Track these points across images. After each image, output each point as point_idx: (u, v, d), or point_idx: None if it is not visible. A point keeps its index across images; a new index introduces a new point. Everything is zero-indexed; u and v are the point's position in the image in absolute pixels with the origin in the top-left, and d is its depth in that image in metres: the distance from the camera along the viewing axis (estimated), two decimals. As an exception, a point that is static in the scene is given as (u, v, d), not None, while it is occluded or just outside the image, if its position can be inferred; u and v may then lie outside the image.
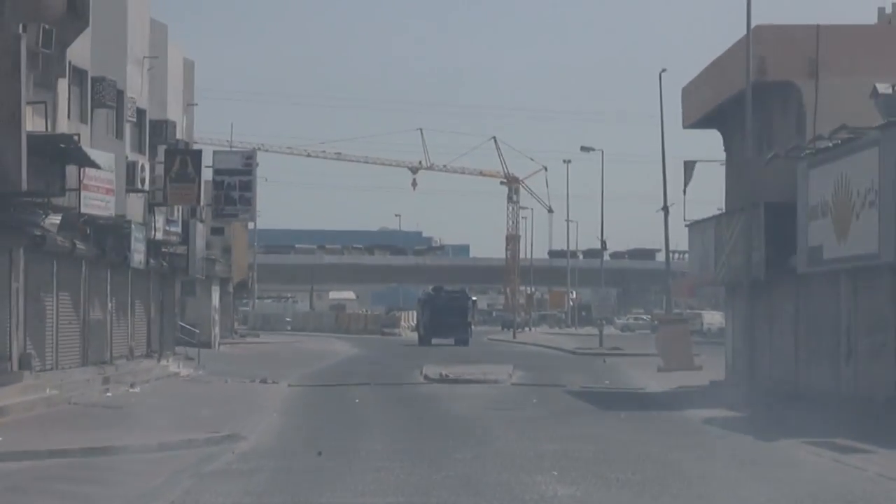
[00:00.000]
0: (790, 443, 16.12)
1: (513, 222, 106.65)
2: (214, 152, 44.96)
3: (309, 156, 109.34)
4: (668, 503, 10.96)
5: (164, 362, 31.45)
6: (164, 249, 32.78)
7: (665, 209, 39.46)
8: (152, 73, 29.91)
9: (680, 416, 21.47)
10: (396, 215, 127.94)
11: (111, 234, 26.40)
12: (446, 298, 63.12)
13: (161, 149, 31.48)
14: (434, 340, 59.79)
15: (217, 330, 49.10)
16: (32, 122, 18.69)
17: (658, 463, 13.72)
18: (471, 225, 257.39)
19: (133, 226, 27.03)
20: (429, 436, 17.00)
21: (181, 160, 31.21)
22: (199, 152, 35.20)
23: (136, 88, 28.31)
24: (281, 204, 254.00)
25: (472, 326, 65.87)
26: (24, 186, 17.18)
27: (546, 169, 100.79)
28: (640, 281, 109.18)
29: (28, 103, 17.81)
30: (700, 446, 16.01)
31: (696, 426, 19.49)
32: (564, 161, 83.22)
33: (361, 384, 29.03)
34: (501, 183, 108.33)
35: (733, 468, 13.34)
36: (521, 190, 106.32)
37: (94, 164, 21.68)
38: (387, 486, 11.60)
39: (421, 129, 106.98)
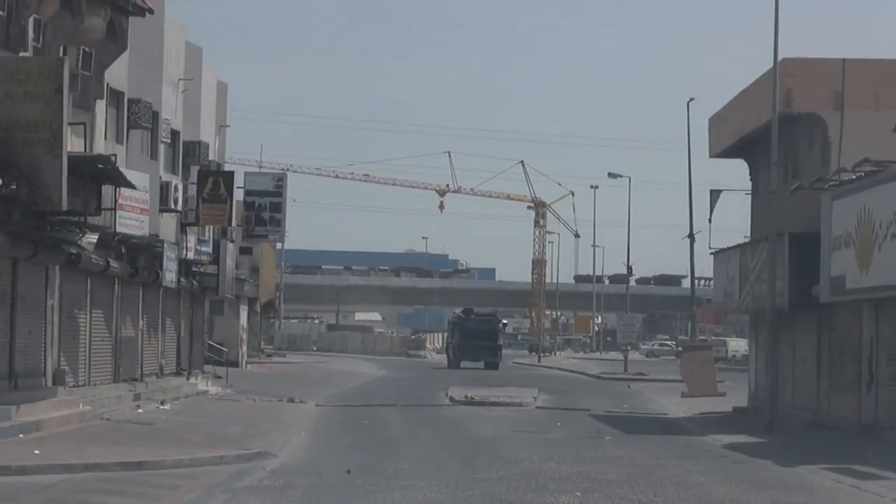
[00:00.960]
0: (810, 469, 16.32)
1: (539, 246, 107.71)
2: (246, 174, 45.56)
3: (337, 177, 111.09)
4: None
5: (192, 380, 31.86)
6: (194, 269, 33.34)
7: (691, 236, 39.73)
8: (186, 95, 30.57)
9: (701, 441, 21.69)
10: (423, 238, 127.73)
11: (144, 252, 26.98)
12: (476, 321, 62.57)
13: (194, 169, 32.13)
14: (463, 363, 59.54)
15: (244, 349, 49.61)
16: (71, 143, 19.24)
17: (679, 486, 13.91)
18: (497, 248, 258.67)
19: (166, 245, 27.57)
20: (454, 456, 17.20)
21: (213, 181, 31.85)
22: (232, 174, 35.84)
23: (171, 110, 28.92)
24: (308, 224, 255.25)
25: (503, 350, 65.69)
26: (65, 206, 17.71)
27: (573, 194, 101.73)
28: (666, 307, 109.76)
29: (68, 124, 18.40)
30: (720, 470, 16.18)
31: (717, 451, 19.66)
32: (592, 186, 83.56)
33: (388, 405, 29.45)
34: (529, 207, 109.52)
35: (752, 492, 13.51)
36: (548, 214, 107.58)
37: (130, 185, 22.18)
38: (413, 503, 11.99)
39: (449, 153, 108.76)
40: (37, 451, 15.14)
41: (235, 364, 43.73)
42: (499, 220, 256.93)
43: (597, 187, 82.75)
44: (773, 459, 17.45)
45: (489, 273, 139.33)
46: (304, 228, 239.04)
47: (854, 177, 21.20)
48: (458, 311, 70.18)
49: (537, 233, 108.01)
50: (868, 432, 20.26)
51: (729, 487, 13.96)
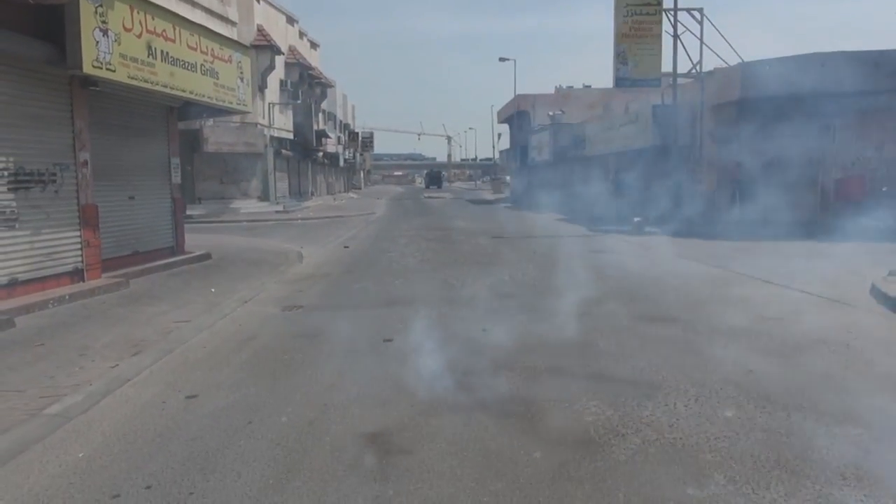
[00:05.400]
0: (537, 212, 59.59)
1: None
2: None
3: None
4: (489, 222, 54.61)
5: (351, 194, 75.39)
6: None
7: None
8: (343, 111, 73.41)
9: (496, 205, 64.72)
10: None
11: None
12: (434, 173, 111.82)
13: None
14: (429, 188, 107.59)
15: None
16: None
17: (490, 216, 57.20)
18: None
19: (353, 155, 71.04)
20: (417, 209, 60.46)
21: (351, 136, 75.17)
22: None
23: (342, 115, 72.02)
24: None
25: (444, 183, 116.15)
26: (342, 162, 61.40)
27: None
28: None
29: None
30: (499, 210, 59.58)
31: (499, 207, 62.77)
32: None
33: (406, 198, 72.47)
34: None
35: (515, 216, 56.80)
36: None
37: (327, 136, 65.85)
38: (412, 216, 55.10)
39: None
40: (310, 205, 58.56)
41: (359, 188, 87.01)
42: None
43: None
44: (524, 209, 60.60)
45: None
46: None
47: (539, 128, 63.81)
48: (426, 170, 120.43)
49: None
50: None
51: (505, 213, 57.35)
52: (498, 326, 11.56)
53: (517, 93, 63.76)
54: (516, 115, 64.60)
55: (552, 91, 63.04)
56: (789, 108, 27.75)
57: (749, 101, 28.52)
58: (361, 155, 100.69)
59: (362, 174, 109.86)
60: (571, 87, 68.85)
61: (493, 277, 17.00)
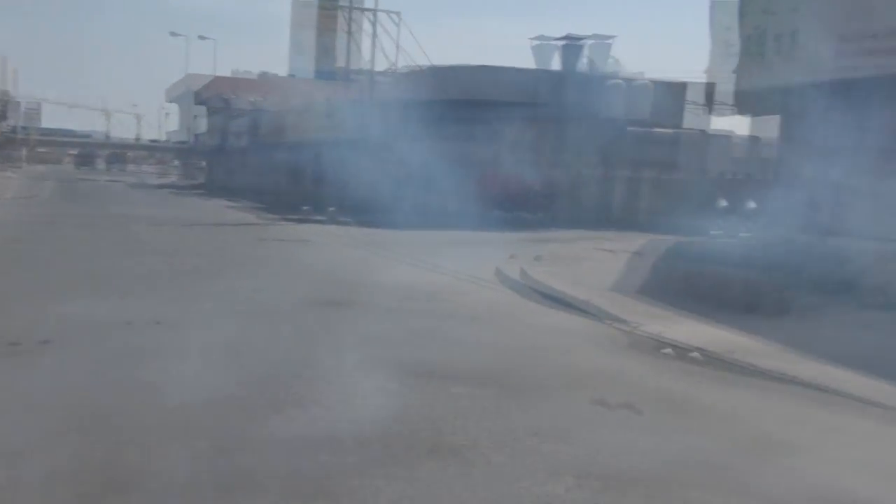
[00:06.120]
0: (215, 200, 57.95)
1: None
2: None
3: None
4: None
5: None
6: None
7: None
8: None
9: (186, 191, 62.61)
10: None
11: None
12: (118, 153, 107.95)
13: None
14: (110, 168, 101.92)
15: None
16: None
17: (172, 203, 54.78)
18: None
19: None
20: (88, 193, 57.10)
21: None
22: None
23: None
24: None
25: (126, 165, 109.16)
26: None
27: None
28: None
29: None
30: (188, 197, 57.49)
31: (190, 193, 60.63)
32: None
33: (78, 179, 68.00)
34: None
35: (203, 204, 54.78)
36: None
37: None
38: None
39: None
40: None
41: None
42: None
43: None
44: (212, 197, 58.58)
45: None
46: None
47: (237, 113, 62.99)
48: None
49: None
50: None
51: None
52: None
53: (190, 72, 63.28)
54: (216, 98, 63.31)
55: (228, 73, 62.84)
56: (468, 112, 29.53)
57: (434, 103, 30.01)
58: (24, 128, 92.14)
59: (24, 150, 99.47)
60: (249, 71, 67.53)
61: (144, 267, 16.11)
